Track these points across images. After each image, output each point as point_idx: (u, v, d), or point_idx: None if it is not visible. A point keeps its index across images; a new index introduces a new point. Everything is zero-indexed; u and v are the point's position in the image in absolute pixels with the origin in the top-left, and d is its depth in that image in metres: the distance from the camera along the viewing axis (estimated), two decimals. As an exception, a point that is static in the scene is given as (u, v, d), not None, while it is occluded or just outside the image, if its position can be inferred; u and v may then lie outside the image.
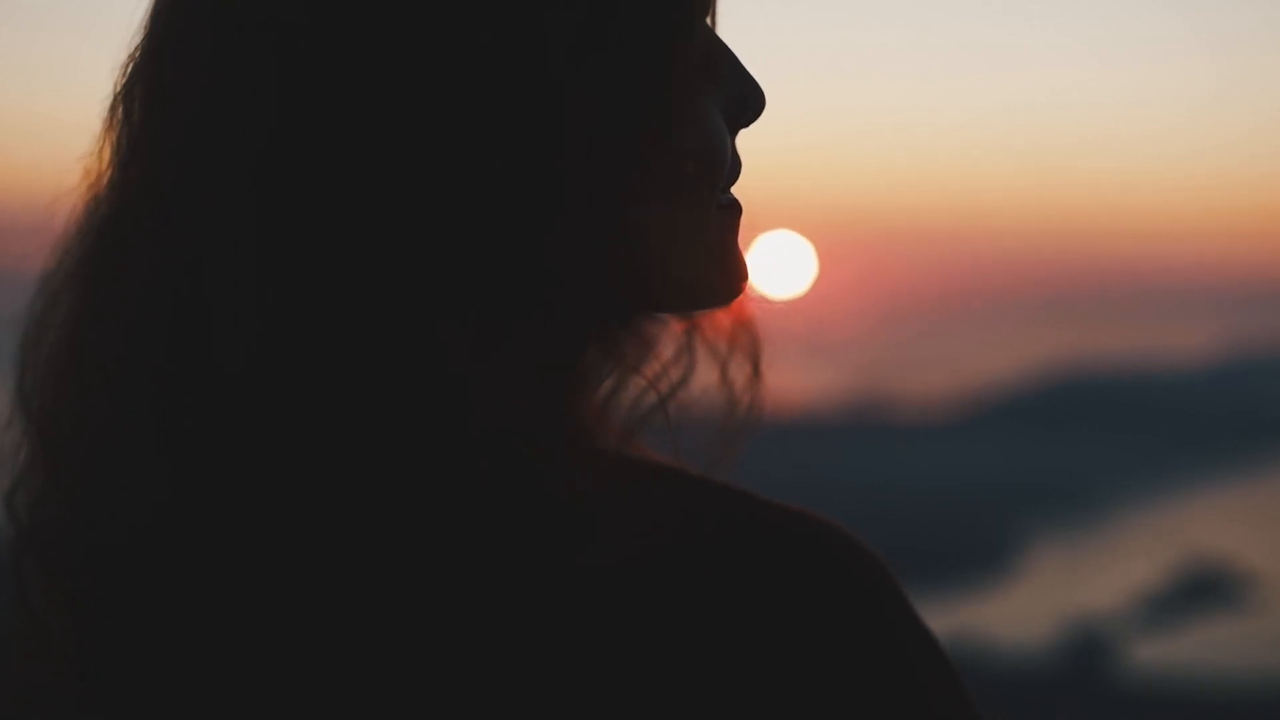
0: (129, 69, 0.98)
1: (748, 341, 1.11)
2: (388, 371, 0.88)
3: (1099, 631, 16.11)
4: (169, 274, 0.92)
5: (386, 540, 0.87)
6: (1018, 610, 17.10)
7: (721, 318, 1.10)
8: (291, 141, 0.89)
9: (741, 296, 1.04)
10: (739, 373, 1.11)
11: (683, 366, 1.09)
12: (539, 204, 0.90)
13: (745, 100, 1.02)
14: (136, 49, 0.98)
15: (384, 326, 0.88)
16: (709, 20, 1.01)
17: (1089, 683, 15.50)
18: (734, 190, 1.03)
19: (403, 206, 0.88)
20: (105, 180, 0.98)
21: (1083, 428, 22.26)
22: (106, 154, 0.98)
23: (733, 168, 1.02)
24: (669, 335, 1.09)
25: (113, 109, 0.98)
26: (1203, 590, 17.45)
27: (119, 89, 0.98)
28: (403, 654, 0.87)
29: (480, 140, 0.89)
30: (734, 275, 1.02)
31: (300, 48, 0.90)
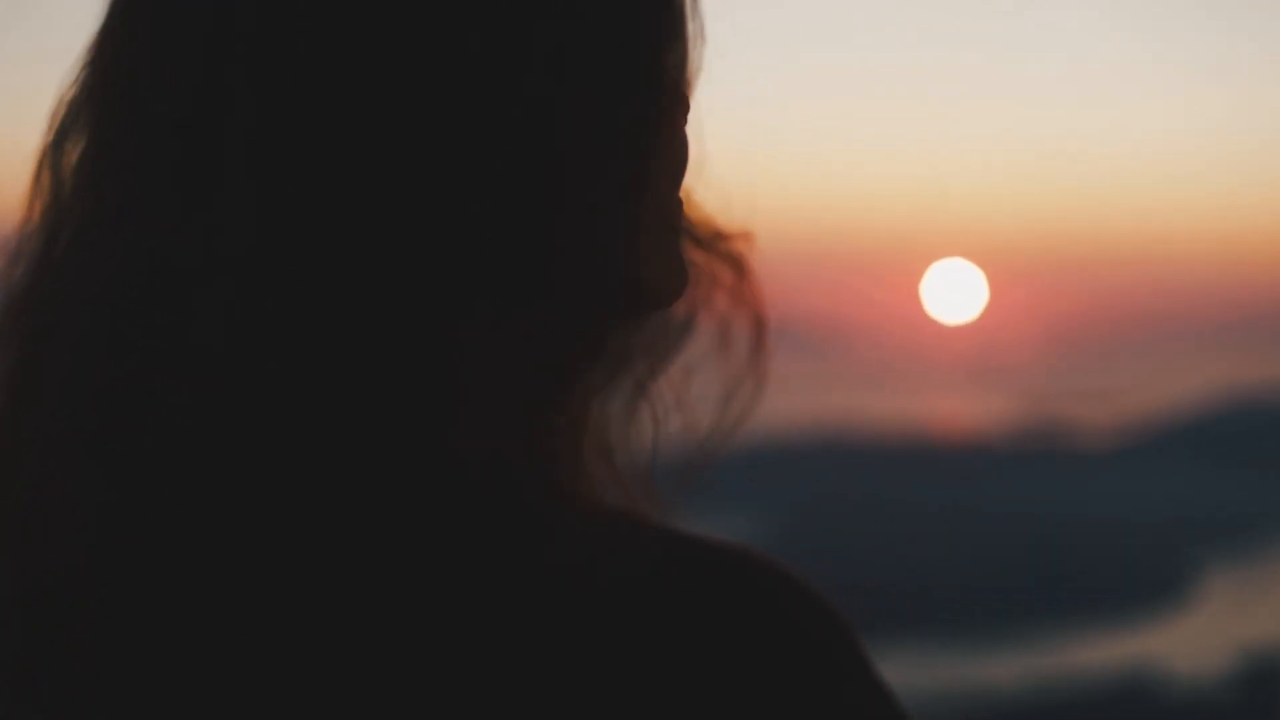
0: (82, 74, 0.99)
1: (750, 318, 1.11)
2: (380, 375, 0.89)
3: (1274, 664, 15.82)
4: (143, 269, 0.92)
5: (364, 545, 0.89)
6: (1192, 642, 16.83)
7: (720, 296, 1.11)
8: (288, 145, 0.90)
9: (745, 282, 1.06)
10: (738, 352, 1.10)
11: (679, 371, 1.09)
12: (539, 206, 0.92)
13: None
14: (86, 62, 0.99)
15: (380, 331, 0.90)
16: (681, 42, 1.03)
17: (1264, 716, 15.22)
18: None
19: (400, 210, 0.90)
20: (56, 195, 0.98)
21: (1259, 457, 21.86)
22: (69, 164, 0.98)
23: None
24: (660, 330, 1.08)
25: (56, 130, 0.99)
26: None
27: (68, 101, 0.99)
28: (368, 663, 0.88)
29: (479, 140, 0.91)
30: (679, 276, 1.02)
31: (301, 49, 0.91)
